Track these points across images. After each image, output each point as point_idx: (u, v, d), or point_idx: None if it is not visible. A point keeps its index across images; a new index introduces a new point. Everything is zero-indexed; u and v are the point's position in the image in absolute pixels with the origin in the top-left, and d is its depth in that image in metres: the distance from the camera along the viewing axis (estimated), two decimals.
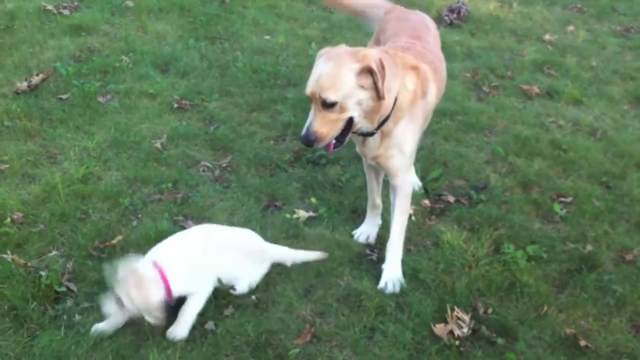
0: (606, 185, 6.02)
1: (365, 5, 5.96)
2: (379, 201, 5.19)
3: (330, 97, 4.15)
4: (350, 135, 4.40)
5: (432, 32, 5.44)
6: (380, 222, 5.23)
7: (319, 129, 4.23)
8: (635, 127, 7.14)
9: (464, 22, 10.01)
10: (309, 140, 4.25)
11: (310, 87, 4.24)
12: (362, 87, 4.21)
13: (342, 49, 4.39)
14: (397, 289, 4.63)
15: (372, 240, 5.15)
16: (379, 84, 4.17)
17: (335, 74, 4.19)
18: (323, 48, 4.48)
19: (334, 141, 4.33)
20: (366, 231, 5.19)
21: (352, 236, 5.18)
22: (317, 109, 4.23)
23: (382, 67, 4.20)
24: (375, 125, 4.42)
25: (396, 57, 4.52)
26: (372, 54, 4.23)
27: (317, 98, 4.19)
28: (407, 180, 4.88)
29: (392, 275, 4.70)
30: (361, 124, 4.36)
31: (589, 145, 6.64)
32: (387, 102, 4.33)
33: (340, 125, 4.29)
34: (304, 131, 4.26)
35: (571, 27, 10.20)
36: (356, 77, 4.19)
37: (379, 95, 4.22)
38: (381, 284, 4.66)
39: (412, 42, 5.00)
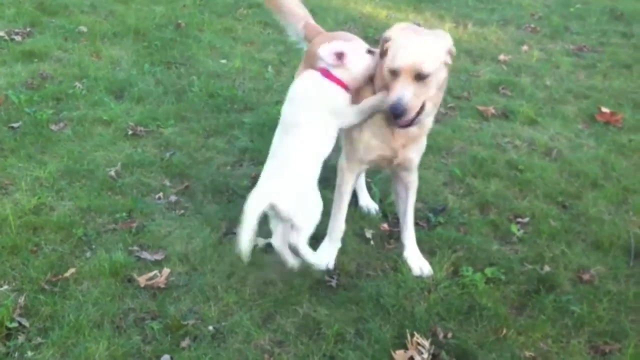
0: (562, 205, 6.05)
1: (290, 10, 6.18)
2: (343, 223, 5.15)
3: (428, 68, 4.33)
4: (421, 116, 4.58)
5: None
6: (340, 245, 5.17)
7: (411, 101, 4.36)
8: (589, 146, 7.19)
9: None
10: (400, 110, 4.37)
11: (403, 60, 4.34)
12: (445, 66, 4.49)
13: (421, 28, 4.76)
14: (429, 267, 5.05)
15: (331, 265, 5.07)
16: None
17: (432, 47, 4.41)
18: (399, 24, 4.73)
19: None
20: (327, 257, 5.09)
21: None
22: (407, 82, 4.35)
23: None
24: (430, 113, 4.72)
25: None
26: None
27: (411, 70, 4.33)
28: (417, 178, 5.19)
29: (421, 259, 5.12)
30: (427, 106, 4.55)
31: (545, 165, 6.68)
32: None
33: (421, 101, 4.46)
34: (394, 99, 4.36)
35: (525, 47, 10.30)
36: (445, 54, 4.45)
37: None
38: (416, 272, 5.02)
39: None
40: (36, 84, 7.65)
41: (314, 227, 4.62)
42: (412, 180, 5.11)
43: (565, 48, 10.49)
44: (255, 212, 4.35)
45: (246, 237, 4.32)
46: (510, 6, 12.71)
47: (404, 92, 4.33)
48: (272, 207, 4.46)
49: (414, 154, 4.94)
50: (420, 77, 4.33)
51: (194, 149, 6.56)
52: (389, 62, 4.41)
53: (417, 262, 5.08)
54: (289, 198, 4.47)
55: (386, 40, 4.53)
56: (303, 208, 4.53)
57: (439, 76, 4.45)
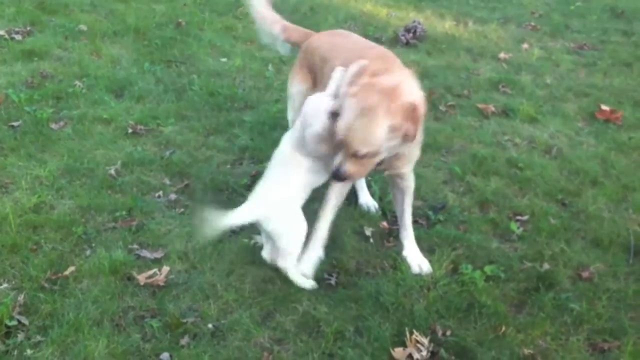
0: (562, 203, 6.04)
1: (262, 15, 6.14)
2: (326, 231, 5.01)
3: (362, 150, 4.25)
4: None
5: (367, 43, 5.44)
6: (321, 254, 4.99)
7: (350, 170, 4.36)
8: (589, 144, 7.19)
9: (420, 41, 10.08)
10: (341, 179, 4.46)
11: (342, 134, 4.25)
12: (393, 137, 4.28)
13: (376, 91, 4.25)
14: (428, 264, 5.05)
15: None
16: (414, 133, 4.33)
17: (371, 130, 4.22)
18: (362, 79, 4.37)
19: None
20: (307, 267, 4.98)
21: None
22: (347, 156, 4.31)
23: (418, 112, 4.31)
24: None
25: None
26: (407, 101, 4.27)
27: (349, 147, 4.26)
28: (413, 179, 5.13)
29: (419, 257, 5.13)
30: (398, 164, 4.75)
31: (545, 163, 6.68)
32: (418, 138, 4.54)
33: (371, 167, 4.48)
34: (334, 168, 4.38)
35: (526, 45, 10.30)
36: (388, 132, 4.23)
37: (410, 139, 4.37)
38: (415, 269, 5.02)
39: (374, 50, 5.04)
40: (36, 83, 7.65)
41: (299, 249, 4.72)
42: (407, 185, 5.09)
43: (565, 46, 10.49)
44: (239, 220, 4.59)
45: (218, 227, 4.53)
46: (510, 4, 12.71)
47: (343, 164, 4.34)
48: (258, 224, 4.61)
49: (405, 168, 4.93)
50: (358, 155, 4.28)
51: (194, 148, 6.56)
52: (337, 128, 4.31)
53: (416, 260, 5.08)
54: (275, 218, 4.61)
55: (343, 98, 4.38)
56: (288, 230, 4.65)
57: (388, 146, 4.33)
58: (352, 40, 5.46)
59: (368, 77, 4.34)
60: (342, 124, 4.25)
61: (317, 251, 4.94)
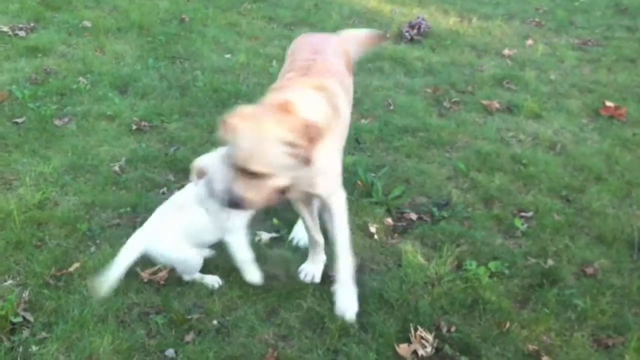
0: (566, 199, 6.04)
1: None
2: (318, 237, 4.93)
3: (252, 166, 3.88)
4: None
5: (333, 48, 5.25)
6: (325, 258, 5.00)
7: (243, 192, 3.96)
8: (593, 141, 7.18)
9: (424, 37, 10.06)
10: (234, 204, 4.04)
11: (234, 156, 3.93)
12: (287, 156, 3.86)
13: (268, 109, 3.98)
14: (355, 311, 4.55)
15: (317, 279, 4.90)
16: (307, 154, 3.87)
17: (257, 145, 3.85)
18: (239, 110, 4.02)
19: None
20: (311, 270, 4.94)
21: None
22: (240, 175, 3.95)
23: (312, 130, 3.89)
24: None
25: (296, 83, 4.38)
26: (301, 118, 3.92)
27: (239, 167, 3.92)
28: (340, 200, 4.55)
29: (349, 299, 4.58)
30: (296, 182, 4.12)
31: (549, 159, 6.67)
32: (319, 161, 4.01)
33: (269, 192, 3.99)
34: (226, 191, 4.07)
35: (530, 41, 10.27)
36: (280, 149, 3.84)
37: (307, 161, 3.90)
38: (338, 311, 4.53)
39: (311, 58, 4.85)
40: (40, 79, 7.66)
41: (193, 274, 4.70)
42: (330, 207, 4.52)
43: (569, 42, 10.46)
44: (129, 256, 4.47)
45: (113, 276, 4.38)
46: (514, 0, 12.68)
47: (235, 185, 3.97)
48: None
49: (317, 189, 4.41)
50: (252, 174, 3.90)
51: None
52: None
53: (344, 301, 4.58)
54: (162, 251, 4.55)
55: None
56: (176, 261, 4.61)
57: (287, 170, 3.93)
58: (316, 46, 5.18)
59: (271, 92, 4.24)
60: (235, 145, 3.93)
61: (320, 256, 4.99)
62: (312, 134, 3.86)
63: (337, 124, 4.39)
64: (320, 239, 4.95)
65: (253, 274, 4.64)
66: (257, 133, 3.85)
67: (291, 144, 3.82)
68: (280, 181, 3.97)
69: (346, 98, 4.74)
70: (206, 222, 4.56)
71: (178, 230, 4.55)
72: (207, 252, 4.70)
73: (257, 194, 3.97)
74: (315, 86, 4.31)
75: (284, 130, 3.82)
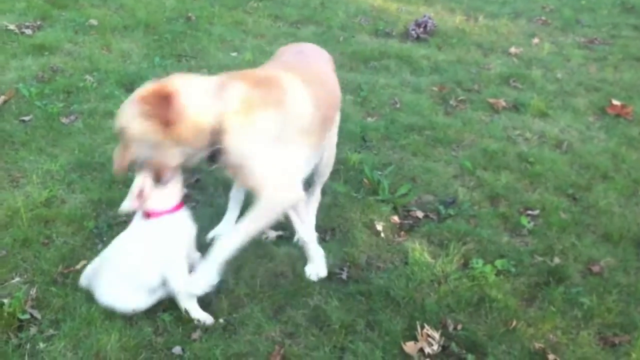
0: (572, 198, 6.04)
1: None
2: (306, 236, 4.92)
3: (115, 126, 4.18)
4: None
5: (319, 53, 5.39)
6: (321, 251, 4.95)
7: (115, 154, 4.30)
8: (600, 139, 7.18)
9: (430, 36, 10.07)
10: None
11: None
12: (143, 120, 4.00)
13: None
14: (200, 291, 4.31)
15: (323, 273, 4.88)
16: (164, 118, 3.96)
17: (120, 111, 4.17)
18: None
19: None
20: (314, 268, 4.91)
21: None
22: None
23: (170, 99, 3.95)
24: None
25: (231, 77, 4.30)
26: (160, 86, 4.06)
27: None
28: (272, 197, 4.30)
29: (203, 275, 4.31)
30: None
31: (555, 157, 6.68)
32: (185, 127, 4.02)
33: (129, 154, 4.19)
34: None
35: (536, 40, 10.29)
36: (136, 112, 4.03)
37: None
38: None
39: (291, 58, 4.98)
40: (47, 77, 7.66)
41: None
42: (265, 194, 4.28)
43: (576, 41, 10.48)
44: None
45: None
46: None
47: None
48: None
49: (248, 181, 4.34)
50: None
51: None
52: None
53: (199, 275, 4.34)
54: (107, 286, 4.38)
55: None
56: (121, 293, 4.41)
57: (146, 135, 4.05)
58: (301, 49, 5.31)
59: None
60: None
61: (319, 252, 4.93)
62: (168, 101, 3.94)
63: (275, 117, 4.25)
64: (308, 237, 4.93)
65: (197, 313, 4.42)
66: (124, 103, 4.17)
67: (141, 104, 3.98)
68: (143, 151, 4.12)
69: (318, 98, 4.54)
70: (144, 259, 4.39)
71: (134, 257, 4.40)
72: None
73: (121, 157, 4.22)
74: (246, 77, 4.31)
75: (139, 94, 4.04)
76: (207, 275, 4.26)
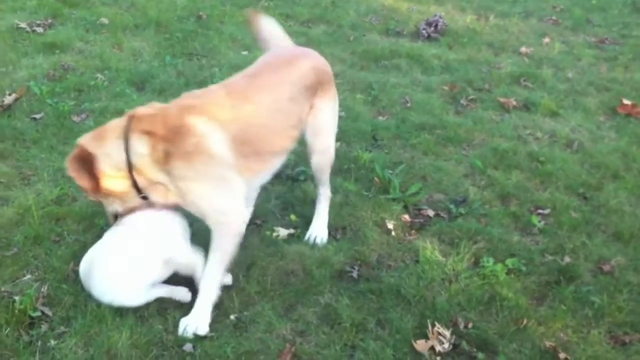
0: (583, 197, 6.04)
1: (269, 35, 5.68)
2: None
3: None
4: None
5: (294, 68, 5.02)
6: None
7: None
8: (610, 138, 7.18)
9: (441, 35, 10.08)
10: None
11: None
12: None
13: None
14: (190, 334, 4.26)
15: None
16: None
17: None
18: None
19: None
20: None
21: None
22: None
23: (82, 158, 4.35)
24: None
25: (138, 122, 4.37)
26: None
27: None
28: (222, 231, 4.41)
29: (195, 318, 4.33)
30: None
31: (566, 157, 6.67)
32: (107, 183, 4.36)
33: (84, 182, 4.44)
34: None
35: (547, 39, 10.29)
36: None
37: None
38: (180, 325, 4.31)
39: (244, 77, 4.84)
40: (58, 76, 7.68)
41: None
42: (218, 230, 4.41)
43: (586, 40, 10.47)
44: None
45: None
46: None
47: None
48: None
49: (205, 218, 4.46)
50: None
51: None
52: None
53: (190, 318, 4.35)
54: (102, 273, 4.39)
55: None
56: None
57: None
58: (261, 63, 5.14)
59: None
60: None
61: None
62: (83, 164, 4.34)
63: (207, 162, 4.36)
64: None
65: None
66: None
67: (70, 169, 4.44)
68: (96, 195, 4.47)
69: (242, 136, 4.49)
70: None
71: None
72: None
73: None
74: (146, 131, 4.32)
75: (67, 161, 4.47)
76: (206, 315, 4.33)
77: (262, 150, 4.66)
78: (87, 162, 4.27)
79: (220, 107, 4.48)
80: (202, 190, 4.35)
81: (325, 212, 5.37)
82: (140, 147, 4.28)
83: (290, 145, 4.92)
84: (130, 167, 4.28)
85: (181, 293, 4.52)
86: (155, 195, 4.40)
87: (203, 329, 4.25)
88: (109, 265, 4.31)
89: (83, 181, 4.34)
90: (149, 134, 4.28)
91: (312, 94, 4.96)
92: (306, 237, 5.23)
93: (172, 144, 4.25)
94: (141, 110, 4.44)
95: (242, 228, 4.45)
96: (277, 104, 4.74)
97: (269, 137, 4.70)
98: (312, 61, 5.12)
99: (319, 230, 5.28)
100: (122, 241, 4.41)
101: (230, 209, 4.43)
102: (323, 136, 5.13)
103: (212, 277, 4.38)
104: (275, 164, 4.89)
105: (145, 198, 4.41)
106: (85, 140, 4.38)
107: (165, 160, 4.25)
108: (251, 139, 4.53)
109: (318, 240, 5.23)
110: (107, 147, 4.32)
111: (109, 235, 4.48)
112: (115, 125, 4.40)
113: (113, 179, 4.33)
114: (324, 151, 5.18)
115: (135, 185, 4.35)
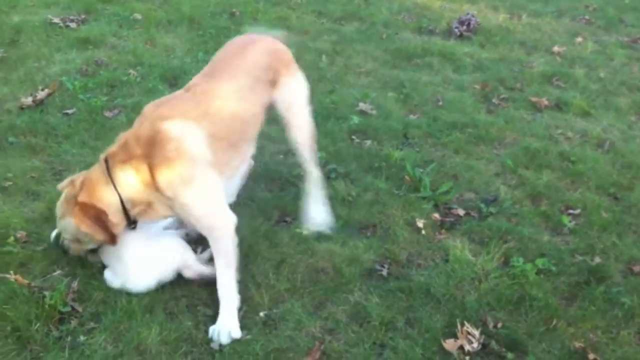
0: (614, 197, 6.02)
1: None
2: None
3: None
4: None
5: (235, 60, 5.00)
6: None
7: None
8: None
9: (473, 33, 10.03)
10: None
11: None
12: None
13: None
14: (225, 340, 4.24)
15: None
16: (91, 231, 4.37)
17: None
18: None
19: None
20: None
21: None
22: None
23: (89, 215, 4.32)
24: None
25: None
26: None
27: None
28: (218, 236, 4.47)
29: (223, 324, 4.31)
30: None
31: (597, 156, 6.64)
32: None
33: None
34: None
35: (579, 39, 10.22)
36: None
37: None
38: (210, 332, 4.29)
39: (186, 91, 4.77)
40: (91, 71, 7.73)
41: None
42: (214, 236, 4.48)
43: (619, 40, 10.40)
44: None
45: None
46: None
47: None
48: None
49: (198, 227, 4.58)
50: None
51: None
52: None
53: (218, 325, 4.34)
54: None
55: None
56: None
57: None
58: (216, 59, 5.10)
59: None
60: None
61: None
62: (96, 221, 4.33)
63: (194, 170, 4.40)
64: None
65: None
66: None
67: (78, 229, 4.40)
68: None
69: (216, 129, 4.54)
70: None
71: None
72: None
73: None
74: (124, 160, 4.38)
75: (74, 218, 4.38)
76: (233, 319, 4.32)
77: (237, 142, 4.73)
78: (99, 219, 4.31)
79: (188, 106, 4.51)
80: (191, 196, 4.36)
81: (320, 195, 5.38)
82: (126, 177, 4.33)
83: (259, 129, 5.04)
84: (123, 204, 4.36)
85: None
86: (146, 218, 4.52)
87: (236, 333, 4.26)
88: (137, 252, 4.49)
89: (101, 235, 4.37)
90: (127, 161, 4.33)
91: (273, 75, 5.04)
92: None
93: (152, 157, 4.27)
94: (110, 148, 4.49)
95: (232, 229, 4.46)
96: (240, 94, 4.77)
97: (241, 127, 4.77)
98: (263, 45, 5.15)
99: (318, 215, 5.38)
100: (155, 236, 4.56)
101: (219, 212, 4.50)
102: (295, 109, 5.27)
103: (227, 283, 4.39)
104: (247, 153, 5.08)
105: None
106: (85, 199, 4.35)
107: (151, 176, 4.28)
108: (225, 132, 4.58)
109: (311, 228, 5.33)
110: (105, 197, 4.35)
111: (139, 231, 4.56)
112: (96, 174, 4.43)
113: (120, 224, 4.42)
114: (301, 126, 5.30)
115: (127, 218, 4.43)
